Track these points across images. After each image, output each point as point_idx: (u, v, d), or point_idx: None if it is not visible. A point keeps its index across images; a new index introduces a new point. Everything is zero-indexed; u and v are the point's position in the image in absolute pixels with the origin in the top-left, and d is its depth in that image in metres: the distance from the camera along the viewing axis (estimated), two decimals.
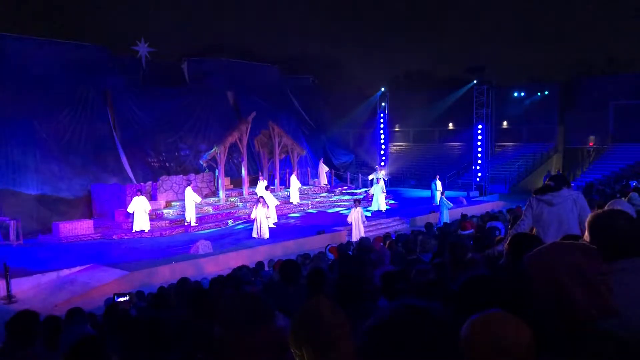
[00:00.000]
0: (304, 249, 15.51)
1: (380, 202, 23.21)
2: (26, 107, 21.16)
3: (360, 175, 31.23)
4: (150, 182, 22.30)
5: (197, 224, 19.72)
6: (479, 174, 30.85)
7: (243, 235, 18.47)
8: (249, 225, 19.25)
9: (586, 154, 34.47)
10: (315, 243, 17.05)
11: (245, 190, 23.42)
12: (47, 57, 23.05)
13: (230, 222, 20.79)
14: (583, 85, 35.60)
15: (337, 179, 31.34)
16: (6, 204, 19.66)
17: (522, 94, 36.96)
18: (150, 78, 27.50)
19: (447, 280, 4.04)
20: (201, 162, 23.97)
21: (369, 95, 37.93)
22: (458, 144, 38.43)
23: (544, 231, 4.94)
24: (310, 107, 35.10)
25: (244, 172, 23.68)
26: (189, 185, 20.43)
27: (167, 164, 25.71)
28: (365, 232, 17.44)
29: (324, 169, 28.16)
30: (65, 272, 14.13)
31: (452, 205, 20.74)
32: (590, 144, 34.36)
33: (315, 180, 28.01)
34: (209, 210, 21.51)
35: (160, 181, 22.25)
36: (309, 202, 24.46)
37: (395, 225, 20.38)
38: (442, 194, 21.84)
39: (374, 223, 20.10)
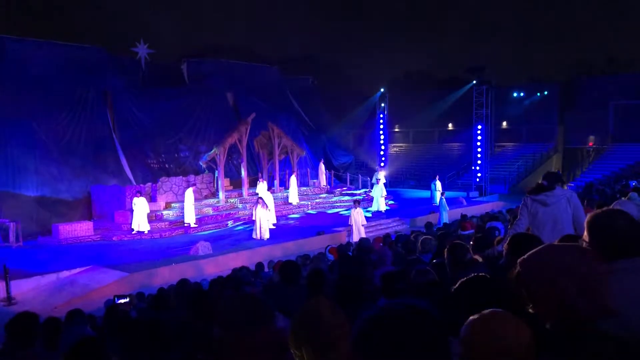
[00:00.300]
0: (303, 250, 15.50)
1: (380, 202, 23.20)
2: (26, 108, 21.14)
3: (360, 176, 31.23)
4: (149, 184, 22.30)
5: (196, 225, 19.71)
6: (479, 174, 30.85)
7: (243, 236, 18.46)
8: (248, 227, 19.25)
9: (586, 154, 34.48)
10: (315, 244, 17.03)
11: (245, 191, 23.41)
12: (46, 58, 23.04)
13: (230, 223, 20.79)
14: (583, 85, 35.61)
15: (337, 180, 31.33)
16: (6, 205, 19.65)
17: (522, 94, 36.98)
18: (149, 79, 27.49)
19: (447, 281, 4.04)
20: (201, 163, 23.97)
21: (368, 95, 37.94)
22: (458, 144, 38.44)
23: (539, 231, 4.96)
24: (310, 107, 35.08)
25: (243, 173, 23.68)
26: (190, 186, 20.43)
27: (166, 165, 25.70)
28: (365, 232, 17.44)
29: (323, 169, 28.14)
30: (65, 273, 14.12)
31: (447, 208, 20.71)
32: (590, 144, 34.37)
33: (315, 181, 28.00)
34: (209, 211, 21.50)
35: (159, 182, 22.25)
36: (309, 203, 24.44)
37: (395, 226, 20.37)
38: (442, 194, 21.85)
39: (373, 224, 20.10)
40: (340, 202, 24.96)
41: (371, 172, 31.55)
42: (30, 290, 13.33)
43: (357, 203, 18.52)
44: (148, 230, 18.74)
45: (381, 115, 35.80)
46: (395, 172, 35.71)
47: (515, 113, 36.66)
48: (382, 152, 35.62)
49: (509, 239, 3.59)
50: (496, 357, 1.41)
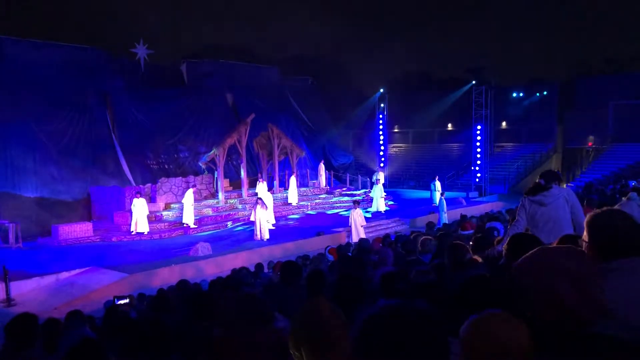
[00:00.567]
0: (303, 250, 15.51)
1: (379, 203, 23.20)
2: (25, 109, 21.15)
3: (359, 176, 31.24)
4: (149, 184, 22.30)
5: (196, 226, 19.70)
6: (478, 175, 30.85)
7: (242, 237, 18.46)
8: (248, 227, 19.25)
9: (585, 154, 34.48)
10: (315, 244, 17.03)
11: (245, 191, 23.40)
12: (46, 59, 23.06)
13: (229, 223, 20.78)
14: (582, 85, 35.64)
15: (337, 181, 31.33)
16: (5, 206, 19.65)
17: (521, 94, 37.02)
18: (149, 80, 27.50)
19: (447, 281, 4.04)
20: (200, 164, 23.98)
21: (368, 96, 37.96)
22: (457, 144, 38.46)
23: (538, 232, 4.95)
24: (310, 108, 35.10)
25: (243, 173, 23.67)
26: (191, 187, 20.42)
27: (166, 166, 25.70)
28: (364, 233, 17.44)
29: (323, 170, 28.13)
30: (65, 274, 14.12)
31: (445, 209, 20.67)
32: (590, 144, 34.38)
33: (314, 181, 28.00)
34: (209, 212, 21.50)
35: (159, 183, 22.24)
36: (309, 203, 24.44)
37: (394, 226, 20.37)
38: (441, 194, 21.85)
39: (373, 224, 20.10)
40: (340, 203, 24.97)
41: (371, 173, 31.56)
42: (29, 292, 13.32)
43: (356, 204, 18.52)
44: (147, 231, 18.73)
45: (381, 116, 35.82)
46: (394, 173, 35.73)
47: (514, 113, 36.70)
48: (381, 153, 35.64)
49: (508, 239, 3.59)
50: (495, 357, 1.41)
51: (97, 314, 8.84)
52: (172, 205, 21.59)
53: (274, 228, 19.39)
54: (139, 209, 18.53)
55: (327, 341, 1.77)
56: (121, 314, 6.42)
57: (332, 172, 30.77)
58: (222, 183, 22.83)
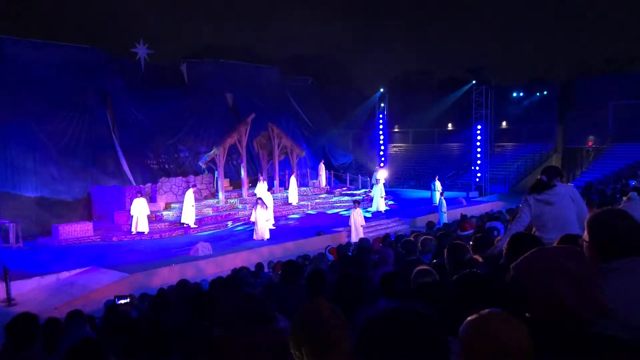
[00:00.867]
0: (303, 250, 15.50)
1: (379, 203, 23.20)
2: (25, 109, 21.15)
3: (359, 176, 31.25)
4: (149, 184, 22.30)
5: (196, 226, 19.70)
6: (479, 175, 30.85)
7: (243, 237, 18.46)
8: (248, 227, 19.25)
9: (585, 153, 34.49)
10: (315, 244, 17.03)
11: (245, 191, 23.41)
12: (46, 59, 23.05)
13: (229, 223, 20.78)
14: (582, 85, 35.63)
15: (337, 180, 31.34)
16: (5, 206, 19.65)
17: (521, 94, 37.03)
18: (149, 80, 27.49)
19: (447, 281, 4.03)
20: (200, 164, 23.98)
21: (368, 96, 37.96)
22: (457, 144, 38.46)
23: (546, 231, 4.88)
24: (310, 108, 35.10)
25: (243, 173, 23.67)
26: (191, 187, 20.42)
27: (166, 166, 25.71)
28: (364, 233, 17.44)
29: (323, 170, 28.14)
30: (65, 274, 14.12)
31: (445, 210, 20.66)
32: (590, 143, 34.38)
33: (314, 181, 28.01)
34: (209, 211, 21.50)
35: (159, 183, 22.25)
36: (309, 203, 24.45)
37: (394, 226, 20.37)
38: (441, 194, 21.84)
39: (373, 224, 20.10)
40: (340, 203, 24.97)
41: (371, 173, 31.55)
42: (30, 291, 13.33)
43: (356, 203, 18.52)
44: (148, 231, 18.73)
45: (381, 116, 35.82)
46: (395, 173, 35.72)
47: (514, 113, 36.71)
48: (381, 153, 35.64)
49: (509, 238, 3.58)
50: (495, 357, 1.41)
51: (98, 313, 8.85)
52: (172, 205, 21.59)
53: (274, 228, 19.38)
54: (140, 208, 18.52)
55: (327, 341, 1.78)
56: (121, 314, 6.42)
57: (332, 172, 30.78)
58: (223, 183, 22.83)
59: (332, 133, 36.12)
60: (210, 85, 29.08)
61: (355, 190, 28.13)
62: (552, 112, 35.68)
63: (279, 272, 7.83)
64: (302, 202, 24.20)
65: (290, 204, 23.79)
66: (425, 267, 4.36)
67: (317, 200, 25.12)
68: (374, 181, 27.06)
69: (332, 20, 44.85)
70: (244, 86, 30.39)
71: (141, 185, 21.95)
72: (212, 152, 22.65)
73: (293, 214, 23.12)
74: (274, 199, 21.84)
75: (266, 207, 18.39)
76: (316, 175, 28.25)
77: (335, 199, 25.73)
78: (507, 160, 35.24)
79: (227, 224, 20.66)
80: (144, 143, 25.02)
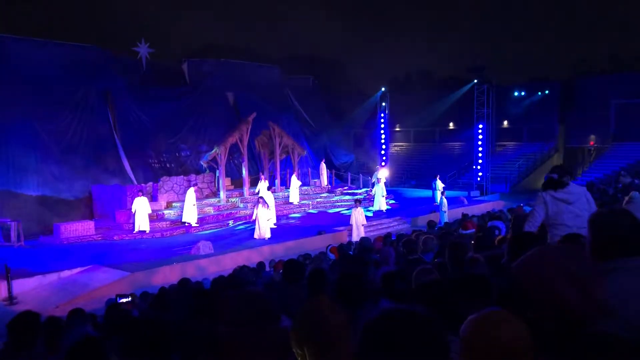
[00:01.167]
0: (305, 249, 15.50)
1: (380, 202, 23.19)
2: (27, 108, 21.14)
3: (361, 175, 31.23)
4: (151, 183, 22.31)
5: (197, 225, 19.71)
6: (480, 174, 30.83)
7: (244, 236, 18.47)
8: (249, 226, 19.25)
9: (587, 153, 34.47)
10: (316, 243, 17.04)
11: (246, 190, 23.41)
12: (47, 58, 23.02)
13: (231, 222, 20.79)
14: (584, 84, 35.59)
15: (338, 179, 31.33)
16: (7, 205, 19.67)
17: (523, 93, 36.98)
18: (150, 79, 27.46)
19: (448, 280, 4.03)
20: (202, 163, 23.98)
21: (369, 95, 37.92)
22: (459, 143, 38.43)
23: (565, 229, 4.70)
24: (311, 107, 35.08)
25: (244, 172, 23.68)
26: (192, 186, 20.42)
27: (167, 165, 25.72)
28: (366, 232, 17.44)
29: (325, 169, 28.14)
30: (66, 273, 14.14)
31: (446, 209, 20.62)
32: (591, 143, 34.35)
33: (316, 180, 28.01)
34: (210, 210, 21.51)
35: (161, 182, 22.26)
36: (310, 202, 24.45)
37: (396, 225, 20.37)
38: (442, 193, 21.83)
39: (375, 223, 20.10)
40: (341, 202, 24.97)
41: (372, 172, 31.54)
42: (31, 290, 13.35)
43: (358, 202, 18.51)
44: (149, 230, 18.75)
45: (382, 115, 35.80)
46: (396, 172, 35.71)
47: (516, 112, 36.68)
48: (383, 152, 35.62)
49: (510, 238, 3.58)
50: (495, 356, 1.41)
51: (99, 312, 8.86)
52: (173, 204, 21.60)
53: (275, 227, 19.39)
54: (141, 207, 18.52)
55: (328, 340, 1.78)
56: (123, 313, 6.42)
57: (334, 171, 30.77)
58: (224, 182, 22.84)
59: (333, 132, 36.12)
60: (211, 85, 29.07)
61: (357, 189, 28.13)
62: (553, 111, 35.64)
63: (280, 271, 7.84)
64: (303, 201, 24.21)
65: (291, 203, 23.80)
66: (426, 266, 4.36)
67: (318, 200, 25.12)
68: (374, 180, 27.05)
69: (334, 19, 44.85)
70: (245, 85, 30.38)
71: (142, 184, 21.96)
72: (213, 151, 22.66)
73: (294, 213, 23.12)
74: (275, 198, 21.83)
75: (267, 206, 18.40)
76: (317, 174, 28.25)
77: (336, 198, 25.74)
78: (508, 160, 35.22)
79: (228, 223, 20.67)
80: (145, 142, 25.03)
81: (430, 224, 13.42)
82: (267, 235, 17.67)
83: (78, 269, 14.31)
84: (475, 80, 31.26)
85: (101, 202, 21.88)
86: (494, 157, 33.94)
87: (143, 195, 18.97)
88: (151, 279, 13.57)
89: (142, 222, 18.56)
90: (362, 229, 17.65)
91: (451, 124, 40.14)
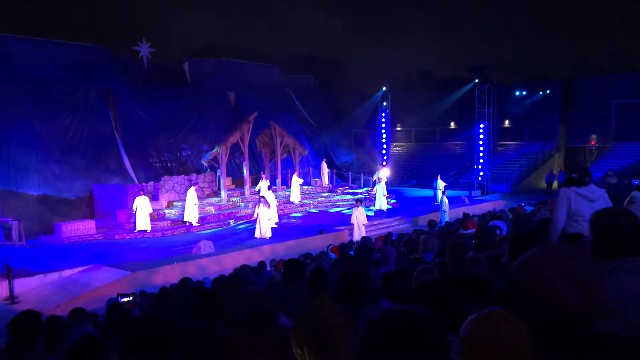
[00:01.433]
0: (305, 249, 15.50)
1: (381, 201, 23.19)
2: (28, 108, 21.17)
3: (361, 174, 31.21)
4: (152, 182, 22.32)
5: (199, 224, 19.73)
6: (481, 173, 30.81)
7: (245, 235, 18.48)
8: (250, 225, 19.26)
9: (588, 152, 34.43)
10: (317, 242, 17.04)
11: (247, 190, 23.42)
12: (48, 57, 23.04)
13: (232, 222, 20.80)
14: (585, 84, 35.57)
15: (339, 179, 31.33)
16: (8, 204, 19.69)
17: (524, 92, 36.96)
18: (151, 78, 27.49)
19: (448, 280, 4.03)
20: (203, 162, 23.99)
21: (370, 95, 37.88)
22: (460, 143, 38.41)
23: (584, 222, 4.49)
24: (312, 107, 35.09)
25: (245, 172, 23.68)
26: (193, 185, 20.41)
27: (168, 164, 25.74)
28: (367, 231, 17.44)
29: (326, 168, 28.15)
30: (68, 272, 14.16)
31: (446, 209, 20.59)
32: (592, 142, 34.31)
33: (317, 180, 28.02)
34: (211, 210, 21.52)
35: (162, 181, 22.26)
36: (311, 201, 24.46)
37: (397, 225, 20.37)
38: (443, 193, 21.82)
39: (375, 222, 20.11)
40: (342, 201, 24.97)
41: (373, 171, 31.53)
42: (33, 289, 13.37)
43: (359, 202, 18.50)
44: (150, 229, 18.76)
45: (383, 114, 35.75)
46: (397, 171, 35.69)
47: (517, 112, 36.65)
48: (383, 151, 35.61)
49: (511, 238, 3.57)
50: (496, 356, 1.41)
51: (100, 311, 8.86)
52: (174, 204, 21.61)
53: (276, 226, 19.40)
54: (142, 206, 18.53)
55: (329, 339, 1.78)
56: (124, 312, 6.43)
57: (335, 171, 30.77)
58: (225, 181, 22.86)
59: (334, 132, 36.12)
60: (212, 84, 29.09)
61: (358, 189, 28.14)
62: (554, 110, 35.61)
63: (281, 270, 7.84)
64: (304, 201, 24.21)
65: (292, 202, 23.81)
66: (427, 266, 4.36)
67: (319, 199, 25.13)
68: (375, 179, 27.05)
69: (334, 19, 44.85)
70: (245, 85, 30.39)
71: (143, 184, 21.97)
72: (214, 150, 22.67)
73: (295, 212, 23.13)
74: (276, 198, 21.84)
75: (269, 205, 18.40)
76: (318, 174, 28.26)
77: (337, 197, 25.74)
78: (509, 159, 35.19)
79: (229, 223, 20.68)
80: (146, 141, 25.05)
81: (431, 223, 13.42)
82: (268, 234, 17.67)
83: (79, 269, 14.33)
84: (476, 80, 31.23)
85: (102, 202, 21.90)
86: (495, 157, 33.91)
87: (144, 194, 18.98)
88: (152, 278, 13.58)
89: (143, 222, 18.57)
90: (363, 228, 17.65)
91: (452, 124, 40.12)
